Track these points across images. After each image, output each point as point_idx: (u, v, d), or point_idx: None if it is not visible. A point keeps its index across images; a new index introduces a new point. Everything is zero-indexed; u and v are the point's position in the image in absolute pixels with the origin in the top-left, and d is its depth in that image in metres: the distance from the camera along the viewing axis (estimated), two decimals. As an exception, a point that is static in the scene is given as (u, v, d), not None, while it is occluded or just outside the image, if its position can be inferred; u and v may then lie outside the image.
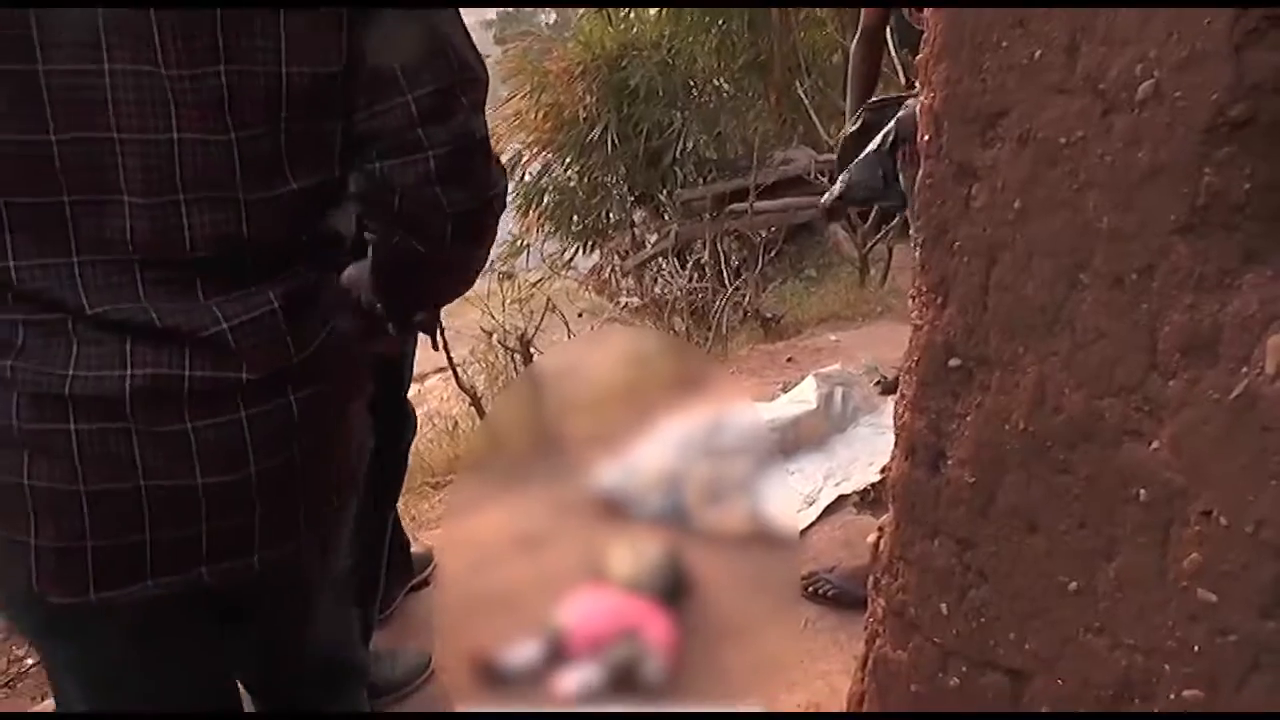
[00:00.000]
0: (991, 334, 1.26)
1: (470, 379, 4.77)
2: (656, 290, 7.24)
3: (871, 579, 1.60)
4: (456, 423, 4.50)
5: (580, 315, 6.52)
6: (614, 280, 8.02)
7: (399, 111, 1.14)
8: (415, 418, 2.46)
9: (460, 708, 2.17)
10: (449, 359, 4.53)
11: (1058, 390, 1.18)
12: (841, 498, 2.86)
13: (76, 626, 1.21)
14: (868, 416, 3.32)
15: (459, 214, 1.19)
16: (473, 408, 4.42)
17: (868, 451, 3.06)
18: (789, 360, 4.39)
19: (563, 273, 8.21)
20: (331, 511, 1.31)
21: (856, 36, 2.74)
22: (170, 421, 1.11)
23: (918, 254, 1.37)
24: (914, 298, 1.41)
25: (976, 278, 1.26)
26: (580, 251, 9.00)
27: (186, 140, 1.07)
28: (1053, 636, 1.25)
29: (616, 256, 8.28)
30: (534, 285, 7.15)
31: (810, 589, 2.43)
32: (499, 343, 5.19)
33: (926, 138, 1.31)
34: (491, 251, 1.36)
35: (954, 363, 1.32)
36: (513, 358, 5.06)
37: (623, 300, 7.15)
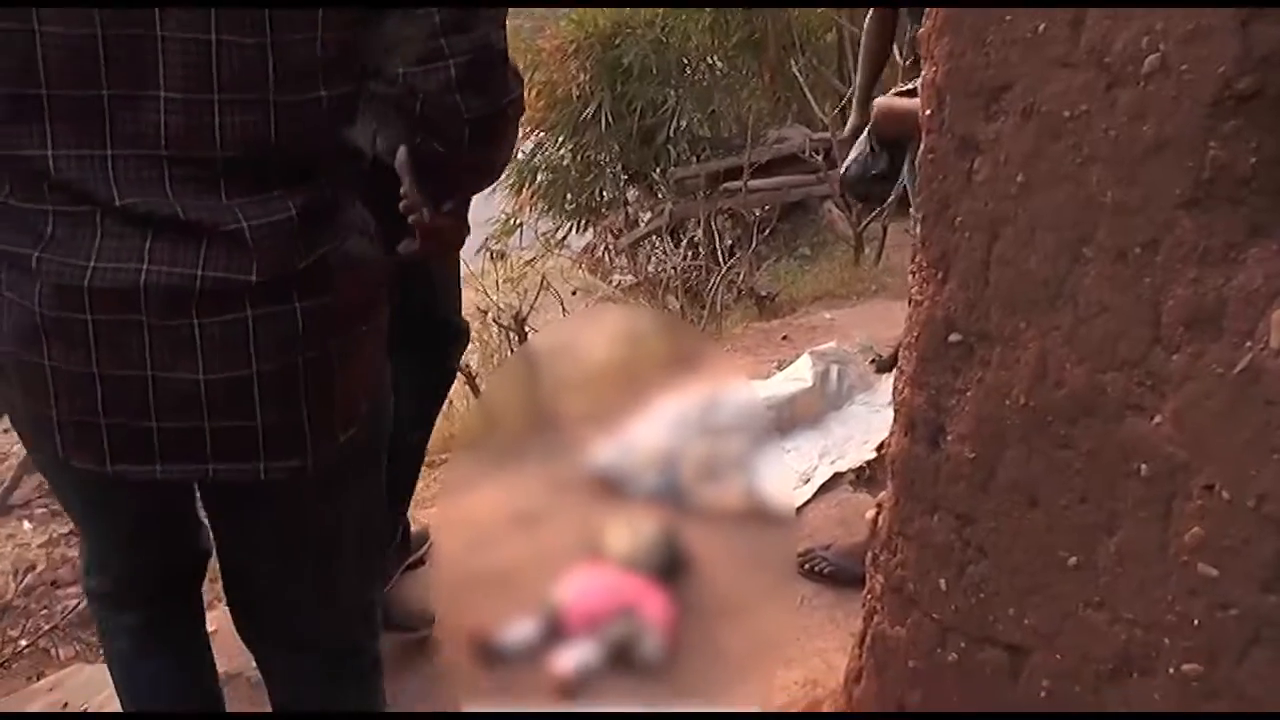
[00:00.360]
0: (993, 309, 1.26)
1: (465, 357, 4.76)
2: (650, 269, 7.21)
3: (870, 555, 1.61)
4: (451, 401, 4.48)
5: (574, 293, 6.50)
6: (608, 259, 7.99)
7: (424, 21, 1.18)
8: (468, 332, 2.41)
9: (460, 693, 2.17)
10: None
11: (1059, 365, 1.18)
12: (837, 476, 2.86)
13: (101, 493, 1.37)
14: (863, 394, 3.32)
15: (476, 119, 1.24)
16: (467, 386, 4.40)
17: (863, 429, 3.06)
18: (784, 338, 4.38)
19: (556, 251, 8.16)
20: (337, 445, 1.34)
21: (869, 14, 2.71)
22: (179, 317, 1.18)
23: (918, 229, 1.37)
24: (914, 273, 1.41)
25: (978, 252, 1.26)
26: (574, 230, 8.95)
27: (225, 41, 1.12)
28: (1052, 611, 1.26)
29: (610, 235, 8.24)
30: (527, 264, 7.13)
31: (807, 566, 2.43)
32: (493, 321, 5.17)
33: (929, 112, 1.30)
34: (499, 179, 1.49)
35: (954, 338, 1.32)
36: (507, 336, 5.04)
37: (616, 279, 7.12)
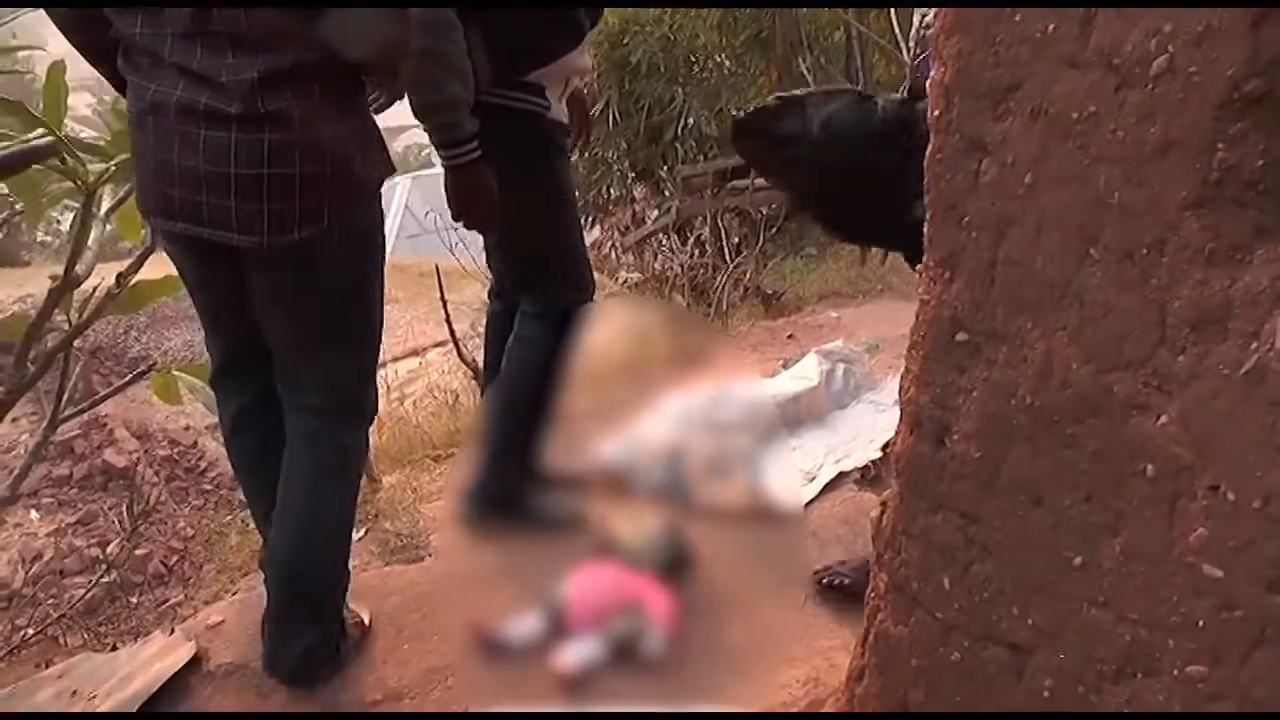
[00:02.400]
0: (999, 308, 1.26)
1: (471, 352, 4.74)
2: (657, 266, 7.21)
3: (874, 553, 1.60)
4: (458, 396, 4.50)
5: (581, 290, 6.49)
6: (614, 256, 7.99)
7: None
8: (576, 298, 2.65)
9: (469, 691, 2.17)
10: (451, 332, 4.52)
11: (1065, 364, 1.18)
12: (842, 474, 2.85)
13: (167, 241, 2.09)
14: (869, 393, 3.32)
15: None
16: (474, 381, 4.41)
17: (868, 428, 3.06)
18: (790, 337, 4.38)
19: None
20: (295, 237, 1.92)
21: None
22: (192, 127, 1.87)
23: (926, 228, 1.37)
24: (921, 272, 1.41)
25: (985, 252, 1.26)
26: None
27: None
28: (1056, 611, 1.26)
29: (617, 233, 8.24)
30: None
31: (824, 582, 2.38)
32: (499, 317, 5.16)
33: (937, 112, 1.30)
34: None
35: (961, 337, 1.33)
36: (515, 332, 5.03)
37: (623, 276, 7.12)
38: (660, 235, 7.68)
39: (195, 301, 2.20)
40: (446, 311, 4.38)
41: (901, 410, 1.48)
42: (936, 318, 1.36)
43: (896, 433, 1.51)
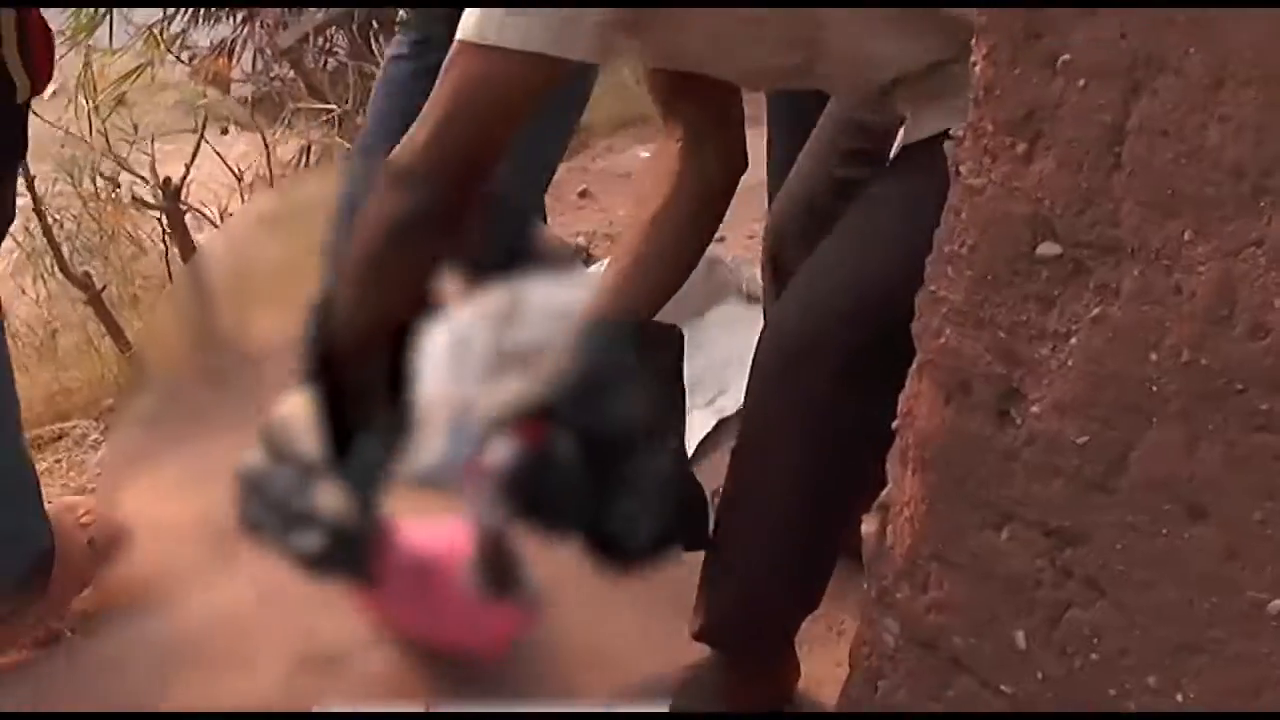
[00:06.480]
0: (1126, 205, 1.20)
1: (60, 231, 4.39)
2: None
3: (874, 588, 1.57)
4: (56, 331, 4.13)
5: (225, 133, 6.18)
6: (265, 68, 7.69)
7: None
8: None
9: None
10: (33, 196, 4.09)
11: (1257, 299, 1.13)
12: (723, 424, 2.80)
13: None
14: (735, 295, 3.27)
15: None
16: (86, 304, 4.03)
17: (746, 344, 3.00)
18: (582, 194, 4.32)
19: (169, 54, 7.67)
20: None
21: None
22: None
23: (977, 66, 1.31)
24: (962, 140, 1.36)
25: (1104, 114, 1.19)
26: (198, 21, 8.53)
27: None
28: (1230, 682, 1.22)
29: (263, 30, 7.91)
30: (124, 79, 6.60)
31: None
32: (107, 192, 4.82)
33: None
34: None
35: (1048, 250, 1.28)
36: (160, 224, 4.64)
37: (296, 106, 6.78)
38: (335, 32, 7.45)
39: None
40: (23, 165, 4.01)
41: (920, 365, 1.45)
42: (999, 218, 1.31)
43: (910, 396, 1.49)
